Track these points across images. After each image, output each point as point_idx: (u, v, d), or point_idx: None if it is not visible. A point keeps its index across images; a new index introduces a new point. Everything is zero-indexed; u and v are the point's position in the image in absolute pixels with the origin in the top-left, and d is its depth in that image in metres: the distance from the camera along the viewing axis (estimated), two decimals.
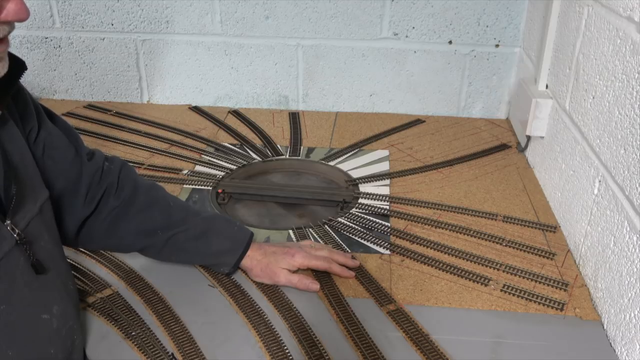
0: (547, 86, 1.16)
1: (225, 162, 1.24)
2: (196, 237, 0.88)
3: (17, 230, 0.63)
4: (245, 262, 0.90)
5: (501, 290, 0.88)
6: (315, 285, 0.87)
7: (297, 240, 0.99)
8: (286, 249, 0.91)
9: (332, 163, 1.25)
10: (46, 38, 1.48)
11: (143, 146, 1.30)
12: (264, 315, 0.83)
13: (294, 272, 0.90)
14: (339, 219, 1.05)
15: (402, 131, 1.39)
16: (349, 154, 1.28)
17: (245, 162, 1.24)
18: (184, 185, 1.16)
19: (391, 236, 1.00)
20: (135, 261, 0.93)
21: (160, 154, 1.27)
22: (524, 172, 1.21)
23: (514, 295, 0.87)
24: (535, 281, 0.90)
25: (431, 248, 0.97)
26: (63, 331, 0.70)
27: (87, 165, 0.82)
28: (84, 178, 0.82)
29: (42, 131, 0.76)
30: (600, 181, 0.87)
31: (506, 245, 0.98)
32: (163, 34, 1.45)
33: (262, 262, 0.89)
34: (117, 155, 0.90)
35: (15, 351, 0.63)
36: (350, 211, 1.08)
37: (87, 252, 0.95)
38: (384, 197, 1.12)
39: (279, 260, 0.89)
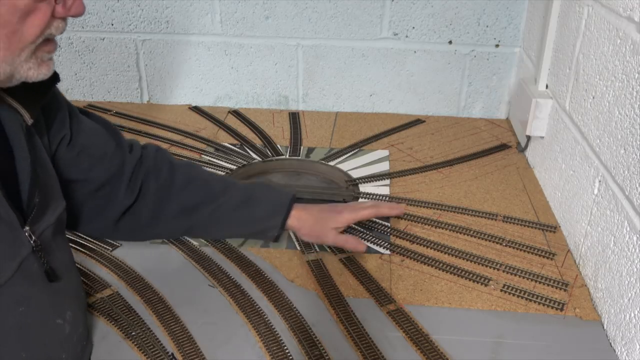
0: (547, 86, 1.16)
1: (225, 162, 1.24)
2: (239, 206, 0.88)
3: (33, 237, 0.64)
4: (292, 222, 0.90)
5: (501, 290, 0.88)
6: (363, 246, 0.90)
7: (299, 241, 0.99)
8: (332, 207, 0.93)
9: (332, 163, 1.25)
10: None
11: None
12: (264, 315, 0.83)
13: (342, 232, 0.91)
14: None
15: (402, 131, 1.39)
16: (349, 154, 1.28)
17: (245, 162, 1.24)
18: None
19: (391, 236, 1.00)
20: (135, 261, 0.93)
21: None
22: (524, 172, 1.21)
23: (514, 295, 0.87)
24: (535, 281, 0.90)
25: (431, 248, 0.97)
26: (74, 337, 0.71)
27: (128, 156, 0.83)
28: (127, 169, 0.83)
29: (76, 135, 0.77)
30: (600, 181, 0.87)
31: (506, 245, 0.98)
32: (163, 34, 1.45)
33: (309, 221, 0.90)
34: (148, 143, 0.91)
35: (29, 354, 0.64)
36: None
37: (87, 252, 0.95)
38: (384, 197, 1.12)
39: (327, 218, 0.90)
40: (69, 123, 0.76)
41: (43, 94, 0.67)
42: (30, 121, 0.66)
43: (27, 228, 0.63)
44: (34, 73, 0.60)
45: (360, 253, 0.90)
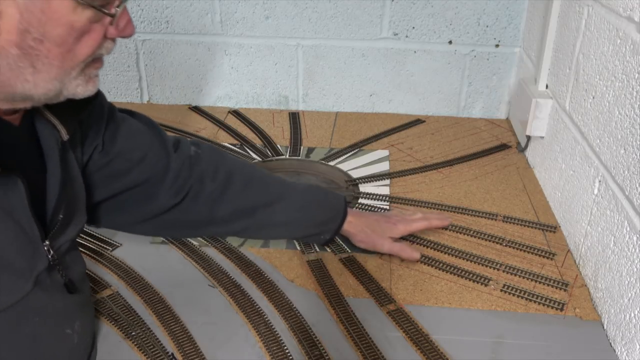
0: (547, 86, 1.16)
1: None
2: (297, 210, 0.91)
3: (52, 252, 0.65)
4: (349, 227, 0.93)
5: (501, 290, 0.88)
6: (417, 254, 0.92)
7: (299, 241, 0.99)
8: (387, 218, 0.96)
9: (332, 163, 1.25)
10: None
11: None
12: (264, 315, 0.83)
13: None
14: None
15: (402, 131, 1.39)
16: (349, 154, 1.28)
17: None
18: None
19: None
20: (135, 261, 0.93)
21: None
22: (524, 172, 1.21)
23: (514, 295, 0.87)
24: (535, 281, 0.90)
25: (431, 248, 0.97)
26: (82, 346, 0.72)
27: (173, 156, 0.84)
28: (171, 171, 0.84)
29: (110, 143, 0.79)
30: (600, 181, 0.87)
31: (506, 245, 0.98)
32: (163, 34, 1.45)
33: (366, 230, 0.93)
34: (201, 140, 0.91)
35: None
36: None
37: (87, 252, 0.95)
38: (384, 197, 1.12)
39: (383, 228, 0.93)
40: (103, 132, 0.78)
41: (80, 110, 0.68)
42: (66, 137, 0.67)
43: (46, 242, 0.64)
44: (82, 90, 0.61)
45: (415, 261, 0.92)
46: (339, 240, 0.99)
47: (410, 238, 0.99)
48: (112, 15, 0.58)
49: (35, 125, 0.65)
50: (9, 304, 0.61)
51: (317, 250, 0.97)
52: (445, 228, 1.01)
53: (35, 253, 0.63)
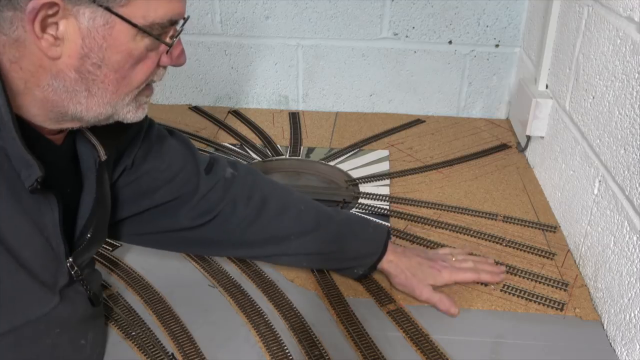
0: (547, 86, 1.16)
1: None
2: (330, 242, 0.86)
3: (75, 268, 0.65)
4: (390, 267, 0.87)
5: (501, 290, 0.88)
6: (455, 309, 0.83)
7: None
8: (431, 262, 0.88)
9: (332, 163, 1.25)
10: None
11: None
12: (264, 315, 0.83)
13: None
14: None
15: (402, 131, 1.39)
16: (349, 154, 1.28)
17: (245, 162, 1.24)
18: None
19: (391, 236, 1.00)
20: (136, 261, 0.93)
21: None
22: (524, 172, 1.21)
23: (514, 295, 0.87)
24: (535, 281, 0.90)
25: (431, 248, 0.97)
26: (94, 356, 0.73)
27: (204, 179, 0.83)
28: (199, 193, 0.83)
29: (140, 162, 0.79)
30: (600, 181, 0.87)
31: (506, 245, 0.98)
32: None
33: (407, 273, 0.86)
34: (241, 161, 0.90)
35: None
36: (351, 211, 1.08)
37: None
38: (384, 197, 1.12)
39: (425, 274, 0.86)
40: (135, 152, 0.78)
41: (121, 133, 0.69)
42: (104, 157, 0.68)
43: (70, 260, 0.65)
44: (132, 116, 0.63)
45: (453, 316, 0.83)
46: None
47: (408, 238, 0.99)
48: (169, 45, 0.61)
49: (76, 145, 0.67)
50: (39, 315, 0.62)
51: None
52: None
53: (58, 269, 0.64)
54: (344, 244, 0.87)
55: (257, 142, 1.33)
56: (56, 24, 0.54)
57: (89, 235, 0.68)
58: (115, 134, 0.68)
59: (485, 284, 0.89)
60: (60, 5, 0.52)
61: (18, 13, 0.53)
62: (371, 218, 0.95)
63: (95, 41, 0.55)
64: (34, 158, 0.56)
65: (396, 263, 0.87)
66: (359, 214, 1.01)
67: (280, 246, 0.86)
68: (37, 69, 0.56)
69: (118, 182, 0.79)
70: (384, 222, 0.97)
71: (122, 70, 0.58)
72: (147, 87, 0.63)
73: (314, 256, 0.88)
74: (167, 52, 0.61)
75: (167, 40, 0.61)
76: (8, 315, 0.60)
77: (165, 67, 0.64)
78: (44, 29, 0.53)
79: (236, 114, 1.47)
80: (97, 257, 0.94)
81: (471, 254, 0.94)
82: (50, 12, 0.53)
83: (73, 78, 0.57)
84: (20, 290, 0.60)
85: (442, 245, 0.97)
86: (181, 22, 0.62)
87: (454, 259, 0.90)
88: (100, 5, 0.54)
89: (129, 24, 0.56)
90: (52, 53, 0.55)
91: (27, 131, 0.59)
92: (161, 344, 0.77)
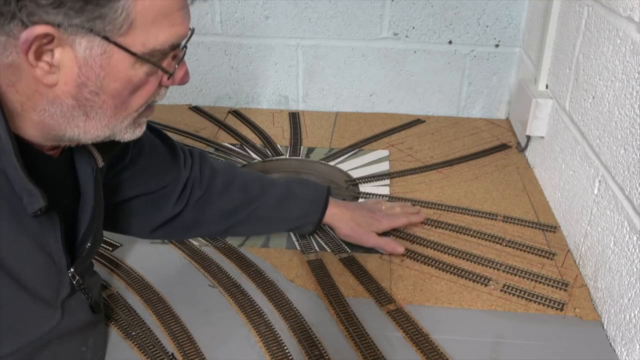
0: (547, 86, 1.16)
1: None
2: (276, 206, 0.93)
3: (76, 277, 0.65)
4: (333, 220, 0.95)
5: (501, 290, 0.88)
6: (401, 249, 0.93)
7: (299, 241, 0.99)
8: (371, 213, 0.97)
9: (332, 163, 1.25)
10: None
11: None
12: (264, 315, 0.83)
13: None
14: None
15: (402, 131, 1.39)
16: (349, 154, 1.28)
17: (245, 162, 1.24)
18: None
19: (391, 236, 1.00)
20: (136, 261, 0.93)
21: None
22: (524, 172, 1.21)
23: (514, 295, 0.87)
24: (535, 281, 0.90)
25: (431, 248, 0.97)
26: None
27: (183, 170, 0.87)
28: (180, 183, 0.87)
29: (135, 161, 0.81)
30: (600, 181, 0.87)
31: (506, 245, 0.98)
32: None
33: (352, 224, 0.95)
34: (192, 147, 0.94)
35: None
36: None
37: None
38: (384, 197, 1.12)
39: (368, 223, 0.95)
40: (130, 153, 0.79)
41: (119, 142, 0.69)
42: (101, 164, 0.67)
43: (72, 270, 0.65)
44: (130, 136, 0.62)
45: (399, 254, 0.94)
46: (338, 240, 0.99)
47: (408, 238, 0.99)
48: (170, 73, 0.59)
49: (73, 155, 0.66)
50: (40, 334, 0.62)
51: (317, 250, 0.97)
52: (424, 223, 1.03)
53: (60, 282, 0.64)
54: (288, 205, 0.94)
55: (257, 142, 1.33)
56: (52, 51, 0.52)
57: (89, 244, 0.68)
58: (114, 142, 0.66)
59: (485, 284, 0.89)
60: (55, 35, 0.50)
61: (11, 39, 0.51)
62: (311, 180, 1.03)
63: (92, 70, 0.53)
64: (37, 188, 0.55)
65: (340, 216, 0.95)
66: (299, 178, 1.11)
67: (232, 218, 0.92)
68: (33, 94, 0.54)
69: (120, 177, 0.80)
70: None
71: (121, 96, 0.57)
72: (147, 108, 0.62)
73: (264, 221, 0.94)
74: (169, 78, 0.60)
75: (169, 64, 0.59)
76: (10, 338, 0.59)
77: (167, 87, 0.62)
78: (38, 57, 0.51)
79: (236, 114, 1.47)
80: (97, 258, 0.94)
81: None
82: (44, 41, 0.51)
83: (70, 104, 0.55)
84: (22, 313, 0.60)
85: (442, 245, 0.98)
86: (184, 41, 0.60)
87: (383, 207, 1.00)
88: (98, 35, 0.52)
89: (128, 53, 0.54)
90: (48, 80, 0.53)
91: (26, 149, 0.58)
92: (161, 344, 0.77)
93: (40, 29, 0.49)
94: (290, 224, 0.96)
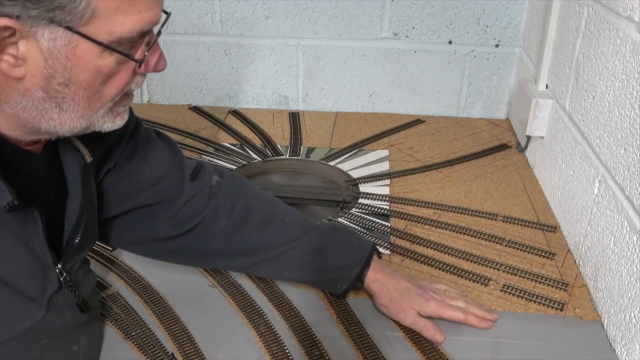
0: (547, 86, 1.16)
1: (225, 162, 1.24)
2: (312, 252, 0.83)
3: (64, 275, 0.64)
4: (375, 286, 0.83)
5: (501, 290, 0.88)
6: (441, 337, 0.78)
7: None
8: (421, 290, 0.82)
9: (332, 163, 1.25)
10: None
11: None
12: (264, 315, 0.83)
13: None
14: (339, 219, 1.05)
15: (402, 131, 1.39)
16: (349, 154, 1.28)
17: (245, 162, 1.24)
18: None
19: (391, 236, 1.00)
20: (136, 261, 0.93)
21: None
22: (524, 172, 1.21)
23: (514, 295, 0.87)
24: (535, 281, 0.90)
25: (431, 248, 0.97)
26: None
27: (188, 185, 0.81)
28: (183, 197, 0.81)
29: (122, 163, 0.77)
30: (600, 181, 0.87)
31: (506, 245, 0.98)
32: (163, 33, 1.44)
33: (393, 294, 0.81)
34: (227, 169, 0.88)
35: None
36: (350, 211, 1.08)
37: (87, 253, 0.95)
38: (384, 197, 1.12)
39: (412, 299, 0.81)
40: (118, 154, 0.76)
41: (107, 134, 0.67)
42: (89, 160, 0.66)
43: (59, 266, 0.64)
44: (109, 125, 0.61)
45: (438, 343, 0.79)
46: None
47: (408, 238, 0.99)
48: (139, 61, 0.57)
49: (58, 150, 0.65)
50: (22, 330, 0.61)
51: None
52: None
53: (46, 278, 0.63)
54: (325, 254, 0.83)
55: (257, 142, 1.33)
56: (16, 44, 0.50)
57: (77, 240, 0.66)
58: (101, 137, 0.66)
59: (485, 284, 0.89)
60: (15, 27, 0.49)
61: None
62: (356, 232, 0.92)
63: (58, 61, 0.52)
64: (3, 182, 0.54)
65: (383, 282, 0.83)
66: (345, 227, 0.95)
67: (260, 255, 0.83)
68: (3, 87, 0.53)
69: (102, 183, 0.77)
70: (375, 237, 0.97)
71: (92, 87, 0.56)
72: (124, 96, 0.60)
73: (295, 266, 0.84)
74: (139, 66, 0.58)
75: (139, 52, 0.57)
76: None
77: (143, 75, 0.60)
78: (1, 50, 0.50)
79: (236, 114, 1.47)
80: (96, 257, 0.94)
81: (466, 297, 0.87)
82: (6, 34, 0.49)
83: (41, 97, 0.54)
84: (2, 307, 0.59)
85: (442, 245, 0.97)
86: (157, 27, 0.58)
87: (446, 294, 0.84)
88: (60, 25, 0.50)
89: (94, 42, 0.52)
90: (15, 73, 0.52)
91: (1, 145, 0.57)
92: (161, 344, 0.77)
93: None
94: (323, 274, 0.84)
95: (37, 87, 0.53)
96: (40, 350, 0.64)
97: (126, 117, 0.63)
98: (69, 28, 0.51)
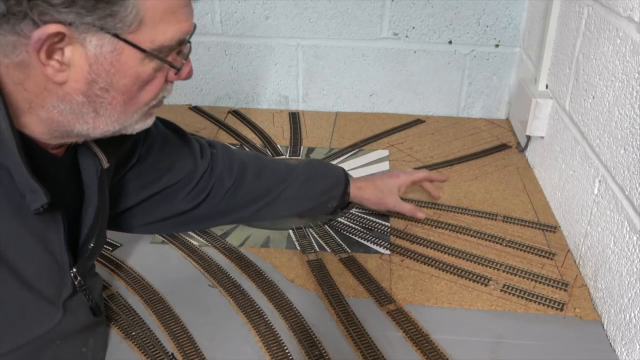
0: (547, 86, 1.16)
1: None
2: (302, 184, 0.97)
3: (78, 278, 0.65)
4: (361, 193, 1.01)
5: (501, 290, 0.88)
6: (421, 214, 1.02)
7: (298, 241, 0.99)
8: (389, 174, 1.03)
9: (332, 163, 1.24)
10: None
11: None
12: (264, 315, 0.83)
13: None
14: (339, 219, 1.05)
15: (402, 131, 1.39)
16: (349, 154, 1.28)
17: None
18: None
19: (391, 236, 1.00)
20: (136, 261, 0.93)
21: None
22: (524, 172, 1.21)
23: (514, 295, 0.87)
24: (535, 281, 0.90)
25: (431, 248, 0.97)
26: None
27: (200, 164, 0.89)
28: (194, 178, 0.88)
29: (144, 158, 0.81)
30: (600, 181, 0.87)
31: (506, 245, 0.98)
32: None
33: (376, 191, 1.01)
34: (213, 139, 0.97)
35: None
36: (351, 211, 1.08)
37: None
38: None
39: (389, 184, 1.01)
40: (139, 151, 0.80)
41: (125, 140, 0.69)
42: (106, 165, 0.68)
43: (74, 270, 0.65)
44: (140, 126, 0.63)
45: (419, 220, 1.01)
46: (338, 239, 0.99)
47: (408, 238, 0.99)
48: (178, 68, 0.60)
49: (77, 155, 0.66)
50: (42, 332, 0.62)
51: (317, 250, 0.97)
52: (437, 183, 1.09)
53: (62, 281, 0.64)
54: (312, 183, 0.98)
55: (257, 142, 1.33)
56: (62, 49, 0.52)
57: (91, 245, 0.68)
58: (118, 141, 0.68)
59: (485, 284, 0.89)
60: (66, 33, 0.51)
61: (22, 39, 0.51)
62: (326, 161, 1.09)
63: (102, 67, 0.54)
64: (39, 185, 0.55)
65: (365, 187, 1.02)
66: (315, 158, 1.20)
67: (261, 202, 0.94)
68: (42, 91, 0.55)
69: (126, 177, 0.80)
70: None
71: (130, 92, 0.58)
72: (157, 103, 0.63)
73: (290, 201, 0.96)
74: (176, 73, 0.61)
75: (175, 60, 0.60)
76: (12, 335, 0.60)
77: (172, 82, 0.64)
78: (49, 55, 0.52)
79: (236, 114, 1.47)
80: (97, 258, 0.94)
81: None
82: (56, 39, 0.51)
83: (80, 101, 0.56)
84: (24, 309, 0.60)
85: (442, 245, 0.98)
86: (188, 36, 0.61)
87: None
88: (109, 32, 0.53)
89: (138, 49, 0.55)
90: (58, 78, 0.54)
91: (31, 148, 0.58)
92: (161, 344, 0.78)
93: (52, 28, 0.50)
94: (315, 199, 0.98)
95: (78, 91, 0.55)
96: (53, 351, 0.64)
97: (154, 117, 0.65)
98: (116, 35, 0.53)
